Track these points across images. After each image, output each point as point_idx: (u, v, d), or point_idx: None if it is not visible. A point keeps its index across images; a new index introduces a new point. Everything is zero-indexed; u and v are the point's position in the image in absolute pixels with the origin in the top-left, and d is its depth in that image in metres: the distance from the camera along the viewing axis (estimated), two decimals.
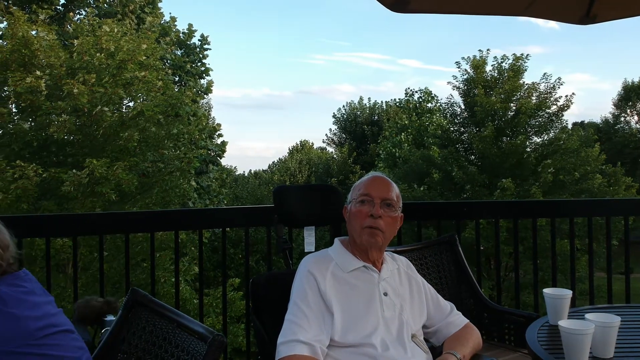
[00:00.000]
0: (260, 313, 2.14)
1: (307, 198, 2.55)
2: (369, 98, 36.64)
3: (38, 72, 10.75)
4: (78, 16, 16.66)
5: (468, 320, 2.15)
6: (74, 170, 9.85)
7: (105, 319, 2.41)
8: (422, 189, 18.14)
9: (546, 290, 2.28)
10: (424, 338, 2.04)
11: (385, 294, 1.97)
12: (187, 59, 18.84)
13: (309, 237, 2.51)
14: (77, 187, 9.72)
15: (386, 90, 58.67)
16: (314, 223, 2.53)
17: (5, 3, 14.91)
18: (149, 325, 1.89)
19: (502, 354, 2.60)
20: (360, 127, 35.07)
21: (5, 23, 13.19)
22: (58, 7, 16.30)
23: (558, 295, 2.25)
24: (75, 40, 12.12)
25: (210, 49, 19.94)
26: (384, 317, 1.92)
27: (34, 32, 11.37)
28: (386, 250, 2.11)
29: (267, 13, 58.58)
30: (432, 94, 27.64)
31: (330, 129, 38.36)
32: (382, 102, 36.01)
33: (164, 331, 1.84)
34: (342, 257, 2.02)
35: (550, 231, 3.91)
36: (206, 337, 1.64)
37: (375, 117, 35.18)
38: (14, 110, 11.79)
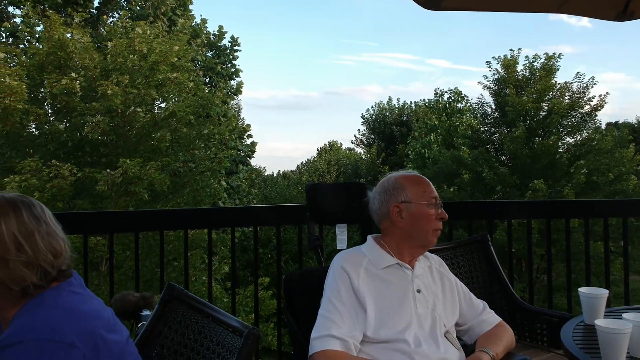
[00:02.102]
0: (293, 309, 2.16)
1: (340, 195, 2.57)
2: (398, 98, 36.45)
3: (73, 74, 10.97)
4: (111, 19, 16.95)
5: (501, 319, 2.14)
6: (107, 170, 10.02)
7: (142, 313, 2.45)
8: (451, 189, 18.01)
9: (582, 289, 2.26)
10: (457, 336, 2.04)
11: (419, 291, 1.98)
12: (217, 61, 19.03)
13: (341, 234, 2.53)
14: (111, 186, 9.89)
15: (415, 90, 58.34)
16: (345, 220, 2.55)
17: (42, 7, 15.26)
18: (185, 320, 1.93)
19: (535, 354, 2.58)
20: (389, 128, 34.93)
21: (41, 26, 13.52)
22: (92, 10, 16.62)
23: (594, 294, 2.23)
24: (109, 43, 12.34)
25: (240, 50, 20.11)
26: (417, 314, 1.93)
27: (69, 35, 11.60)
28: None
29: (295, 14, 58.80)
30: (461, 94, 27.39)
31: (359, 130, 38.39)
32: (411, 102, 35.83)
33: (199, 325, 1.87)
34: (376, 253, 2.03)
35: (584, 231, 3.85)
36: (241, 331, 1.66)
37: (404, 118, 35.01)
38: (49, 111, 12.04)
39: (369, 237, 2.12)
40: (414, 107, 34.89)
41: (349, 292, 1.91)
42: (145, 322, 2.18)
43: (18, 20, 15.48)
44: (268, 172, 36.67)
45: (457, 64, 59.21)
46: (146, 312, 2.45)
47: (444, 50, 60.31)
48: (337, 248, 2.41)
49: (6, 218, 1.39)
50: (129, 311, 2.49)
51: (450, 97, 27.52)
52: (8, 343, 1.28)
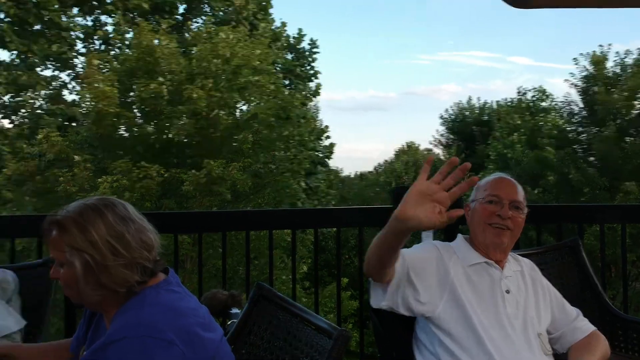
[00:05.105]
0: (378, 310, 2.16)
1: None
2: (478, 98, 35.57)
3: (160, 79, 11.48)
4: (195, 24, 17.55)
5: (595, 328, 2.06)
6: (192, 171, 10.40)
7: (231, 311, 2.52)
8: (536, 192, 17.40)
9: None
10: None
11: (508, 292, 1.94)
12: (296, 63, 19.29)
13: (427, 237, 2.51)
14: (196, 186, 10.27)
15: (495, 89, 56.51)
16: None
17: (132, 15, 16.04)
18: (274, 319, 1.96)
19: None
20: (469, 128, 34.12)
21: (131, 33, 14.22)
22: (178, 17, 17.27)
23: None
24: (193, 48, 12.81)
25: (319, 52, 20.28)
26: (507, 314, 1.88)
27: (156, 41, 12.13)
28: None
29: (373, 14, 58.54)
30: (546, 92, 26.42)
31: (437, 130, 37.62)
32: (491, 101, 34.87)
33: (288, 325, 1.90)
34: (465, 251, 2.01)
35: None
36: (331, 332, 1.67)
37: (485, 117, 34.11)
38: (138, 114, 12.63)
39: (459, 235, 2.11)
40: (495, 106, 33.97)
41: (431, 260, 1.93)
42: (234, 320, 2.25)
43: (110, 28, 16.35)
44: (345, 173, 36.73)
45: (540, 61, 56.96)
46: (235, 310, 2.52)
47: (525, 47, 58.06)
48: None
49: (95, 225, 1.41)
50: (218, 309, 2.56)
51: (534, 96, 26.60)
52: (112, 339, 1.33)
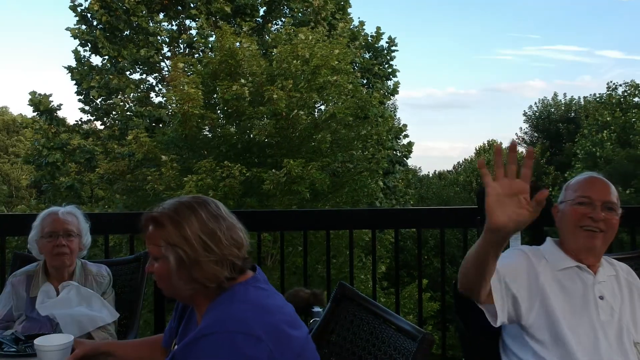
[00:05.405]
0: (463, 313, 2.12)
1: None
2: (564, 94, 34.17)
3: (242, 80, 11.75)
4: (275, 26, 17.84)
5: None
6: (273, 170, 10.59)
7: (313, 309, 2.54)
8: (627, 192, 16.53)
9: None
10: None
11: (601, 298, 1.85)
12: (375, 62, 19.20)
13: (515, 240, 2.44)
14: (276, 185, 10.44)
15: (582, 84, 54.10)
16: None
17: (214, 19, 16.52)
18: (356, 319, 1.95)
19: None
20: (555, 125, 32.82)
21: (214, 37, 14.65)
22: (258, 19, 17.62)
23: None
24: (274, 49, 13.03)
25: (397, 50, 20.09)
26: (600, 321, 1.80)
27: (238, 44, 12.44)
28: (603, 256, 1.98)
29: (453, 9, 57.40)
30: (639, 87, 24.95)
31: (521, 128, 36.57)
32: (578, 97, 33.37)
33: (370, 326, 1.88)
34: (554, 255, 1.94)
35: None
36: (414, 335, 1.65)
37: (572, 114, 32.70)
38: (221, 115, 13.00)
39: (549, 239, 2.04)
40: (582, 103, 32.51)
41: (521, 267, 1.86)
42: (316, 319, 2.27)
43: (194, 32, 16.89)
44: (424, 172, 36.29)
45: (632, 54, 53.91)
46: (317, 309, 2.55)
47: (616, 40, 55.28)
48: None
49: (188, 222, 1.47)
50: (300, 307, 2.60)
51: (625, 91, 25.21)
52: (203, 334, 1.37)
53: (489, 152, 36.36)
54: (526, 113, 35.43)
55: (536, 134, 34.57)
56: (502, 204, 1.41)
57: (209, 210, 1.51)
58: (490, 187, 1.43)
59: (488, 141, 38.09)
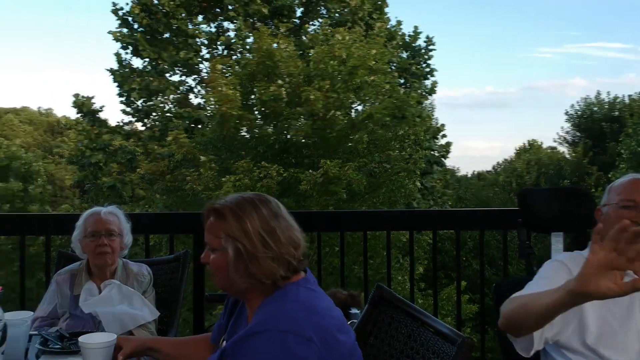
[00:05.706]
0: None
1: (556, 201, 2.42)
2: (608, 92, 33.18)
3: (280, 81, 11.82)
4: (312, 27, 17.87)
5: None
6: (310, 171, 10.62)
7: (350, 311, 2.53)
8: None
9: None
10: None
11: None
12: (412, 61, 19.07)
13: (557, 243, 2.38)
14: (313, 186, 10.47)
15: (627, 82, 52.47)
16: (560, 228, 2.39)
17: (252, 20, 16.66)
18: (394, 322, 1.92)
19: None
20: (598, 124, 31.99)
21: (252, 38, 14.77)
22: (295, 20, 17.68)
23: None
24: (311, 50, 13.06)
25: (435, 50, 19.90)
26: None
27: (275, 45, 12.50)
28: None
29: (491, 8, 56.51)
30: None
31: (562, 127, 35.63)
32: (623, 95, 32.44)
33: (408, 329, 1.86)
34: None
35: None
36: (454, 338, 1.62)
37: (616, 113, 31.82)
38: (259, 116, 13.10)
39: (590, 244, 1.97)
40: (627, 101, 31.61)
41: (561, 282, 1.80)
42: (354, 321, 2.25)
43: (232, 34, 17.07)
44: (462, 172, 35.80)
45: None
46: (354, 311, 2.53)
47: None
48: (552, 259, 2.27)
49: (250, 217, 1.49)
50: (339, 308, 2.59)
51: None
52: (255, 331, 1.39)
53: (530, 152, 35.74)
54: (568, 112, 34.65)
55: (578, 134, 33.76)
56: (598, 274, 1.39)
57: (270, 208, 1.54)
58: (595, 255, 1.40)
59: (528, 141, 37.40)
